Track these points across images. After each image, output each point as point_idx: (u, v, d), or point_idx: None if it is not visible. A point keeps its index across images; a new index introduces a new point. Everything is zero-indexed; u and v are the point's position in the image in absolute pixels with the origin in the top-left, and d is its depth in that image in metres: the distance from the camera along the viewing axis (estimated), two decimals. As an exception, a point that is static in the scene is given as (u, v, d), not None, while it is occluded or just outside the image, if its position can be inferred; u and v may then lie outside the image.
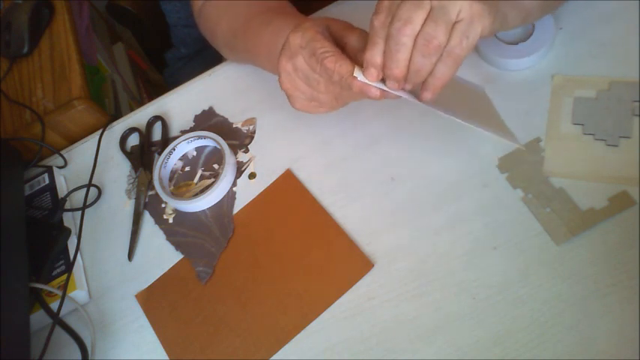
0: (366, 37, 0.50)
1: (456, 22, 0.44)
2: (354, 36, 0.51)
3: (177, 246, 0.64)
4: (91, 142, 0.77)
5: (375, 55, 0.47)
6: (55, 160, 0.76)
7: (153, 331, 0.59)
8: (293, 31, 0.51)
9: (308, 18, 0.61)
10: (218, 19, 0.69)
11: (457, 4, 0.44)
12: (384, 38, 0.46)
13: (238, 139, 0.69)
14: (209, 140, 0.68)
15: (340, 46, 0.52)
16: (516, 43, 0.61)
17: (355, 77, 0.48)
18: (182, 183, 0.68)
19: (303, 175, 0.63)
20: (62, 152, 0.76)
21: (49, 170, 0.73)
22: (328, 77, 0.50)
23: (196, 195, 0.65)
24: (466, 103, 0.57)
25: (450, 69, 0.47)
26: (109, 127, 0.77)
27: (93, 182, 0.69)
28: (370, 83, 0.48)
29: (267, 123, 0.69)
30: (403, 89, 0.49)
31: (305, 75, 0.52)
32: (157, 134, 0.73)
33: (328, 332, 0.54)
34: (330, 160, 0.63)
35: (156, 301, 0.61)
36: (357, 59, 0.50)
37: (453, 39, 0.45)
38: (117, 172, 0.72)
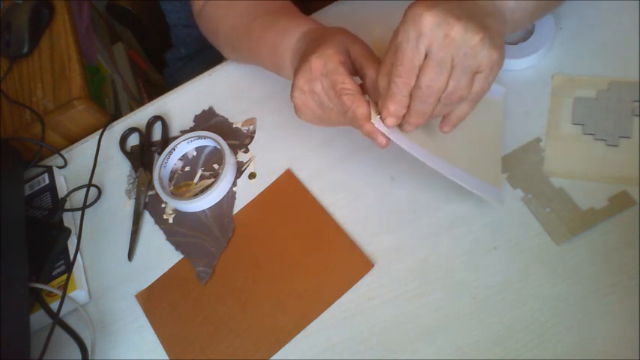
0: None
1: (477, 73, 0.45)
2: (374, 69, 0.51)
3: (177, 246, 0.64)
4: (91, 142, 0.77)
5: (399, 110, 0.48)
6: (55, 160, 0.76)
7: (153, 331, 0.59)
8: (316, 56, 0.51)
9: (314, 20, 0.61)
10: (220, 18, 0.69)
11: (477, 60, 0.44)
12: (407, 96, 0.47)
13: (238, 139, 0.69)
14: (209, 140, 0.68)
15: (359, 74, 0.52)
16: (516, 43, 0.61)
17: (366, 122, 0.50)
18: (182, 183, 0.68)
19: (303, 175, 0.63)
20: (62, 152, 0.76)
21: (49, 170, 0.73)
22: (342, 111, 0.51)
23: (196, 195, 0.65)
24: (471, 133, 0.56)
25: (471, 108, 0.49)
26: (109, 127, 0.77)
27: (93, 182, 0.69)
28: (384, 131, 0.50)
29: (267, 123, 0.69)
30: (409, 141, 0.51)
31: (320, 100, 0.52)
32: (157, 134, 0.73)
33: (328, 332, 0.54)
34: (330, 160, 0.63)
35: (156, 301, 0.61)
36: (374, 93, 0.51)
37: (475, 86, 0.46)
38: (117, 172, 0.72)
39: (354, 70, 0.53)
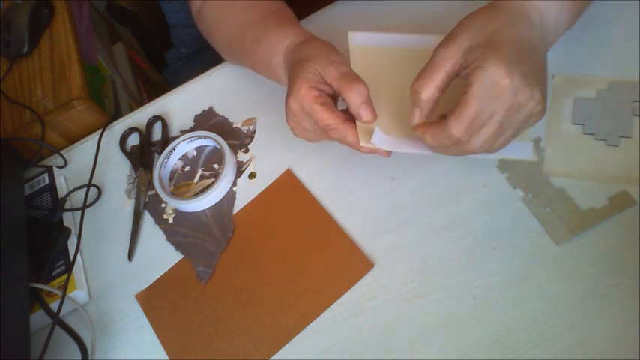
0: (366, 92, 0.50)
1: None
2: (353, 93, 0.50)
3: (177, 246, 0.64)
4: (91, 142, 0.77)
5: (442, 144, 0.49)
6: (55, 160, 0.76)
7: (153, 331, 0.59)
8: (292, 99, 0.52)
9: (295, 28, 0.61)
10: (216, 21, 0.69)
11: (528, 124, 0.47)
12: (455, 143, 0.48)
13: (238, 139, 0.69)
14: (209, 140, 0.68)
15: (341, 97, 0.52)
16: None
17: (359, 147, 0.51)
18: (182, 183, 0.68)
19: (303, 175, 0.63)
20: (62, 152, 0.76)
21: (49, 170, 0.73)
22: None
23: (196, 195, 0.65)
24: None
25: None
26: (109, 127, 0.77)
27: (93, 182, 0.69)
28: (384, 147, 0.51)
29: (267, 123, 0.69)
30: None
31: (315, 132, 0.54)
32: (157, 134, 0.73)
33: (328, 332, 0.54)
34: (330, 159, 0.63)
35: (156, 301, 0.61)
36: (358, 114, 0.51)
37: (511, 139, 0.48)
38: (117, 172, 0.72)
39: (334, 93, 0.53)
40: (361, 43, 0.59)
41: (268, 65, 0.62)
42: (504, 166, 0.56)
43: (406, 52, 0.57)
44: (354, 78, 0.51)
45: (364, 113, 0.50)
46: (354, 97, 0.50)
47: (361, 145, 0.51)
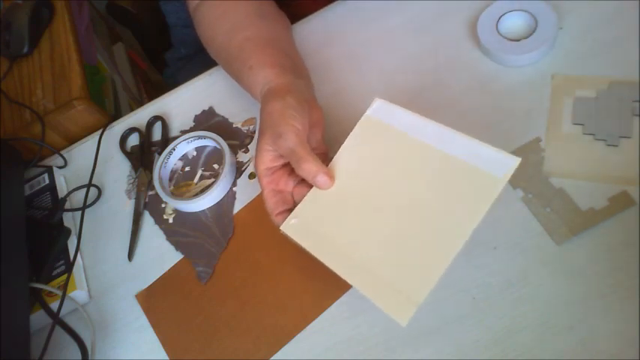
0: (314, 169, 0.52)
1: None
2: (303, 171, 0.52)
3: (177, 246, 0.64)
4: (91, 142, 0.77)
5: None
6: (55, 160, 0.76)
7: (153, 331, 0.59)
8: (256, 175, 0.55)
9: (268, 61, 0.61)
10: (209, 36, 0.69)
11: None
12: None
13: (238, 139, 0.69)
14: (209, 140, 0.68)
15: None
16: (519, 40, 0.61)
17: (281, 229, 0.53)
18: (182, 183, 0.68)
19: (303, 175, 0.63)
20: (62, 152, 0.76)
21: (49, 170, 0.73)
22: None
23: (196, 195, 0.65)
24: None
25: None
26: (109, 127, 0.77)
27: (93, 182, 0.69)
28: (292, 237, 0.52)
29: (267, 123, 0.69)
30: None
31: None
32: (157, 134, 0.73)
33: (328, 332, 0.54)
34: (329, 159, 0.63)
35: (156, 301, 0.61)
36: (315, 184, 0.53)
37: None
38: (117, 172, 0.72)
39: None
40: (379, 115, 0.54)
41: (256, 98, 0.63)
42: (504, 166, 0.56)
43: (412, 144, 0.51)
44: (300, 157, 0.51)
45: (320, 183, 0.52)
46: (304, 174, 0.52)
47: (281, 228, 0.53)
